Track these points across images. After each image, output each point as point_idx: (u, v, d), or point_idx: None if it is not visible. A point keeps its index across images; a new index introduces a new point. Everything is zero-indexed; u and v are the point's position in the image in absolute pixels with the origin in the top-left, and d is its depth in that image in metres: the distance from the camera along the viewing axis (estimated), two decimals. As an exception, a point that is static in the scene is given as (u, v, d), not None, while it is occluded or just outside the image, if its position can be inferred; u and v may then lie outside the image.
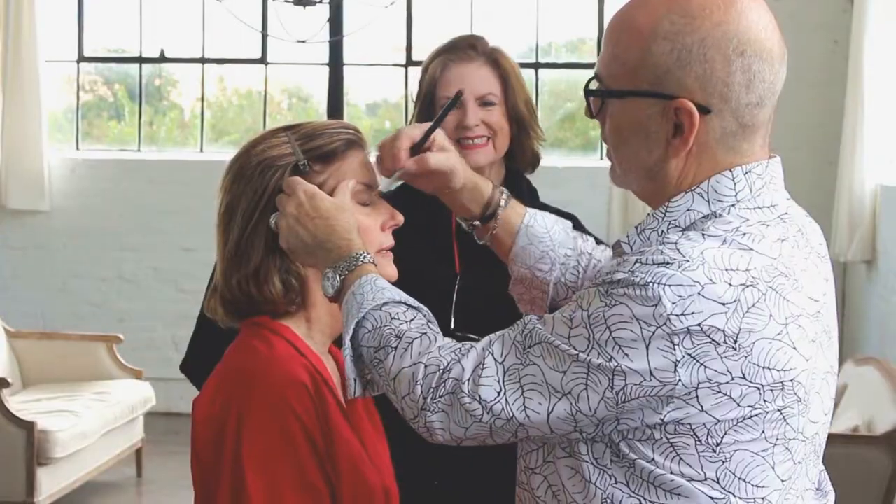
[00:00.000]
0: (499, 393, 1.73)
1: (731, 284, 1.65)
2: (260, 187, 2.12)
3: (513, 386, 1.73)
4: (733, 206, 1.76)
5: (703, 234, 1.72)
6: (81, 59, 9.35)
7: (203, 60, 9.26)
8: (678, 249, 1.68)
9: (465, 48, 3.00)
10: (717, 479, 1.69)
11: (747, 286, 1.66)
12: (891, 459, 4.76)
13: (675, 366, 1.64)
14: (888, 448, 4.77)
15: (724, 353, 1.64)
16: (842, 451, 4.67)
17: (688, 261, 1.66)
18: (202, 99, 9.34)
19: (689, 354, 1.63)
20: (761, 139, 1.82)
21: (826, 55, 8.27)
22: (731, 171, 1.77)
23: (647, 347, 1.64)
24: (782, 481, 1.74)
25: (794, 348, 1.69)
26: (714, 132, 1.76)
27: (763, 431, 1.69)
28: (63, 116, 9.51)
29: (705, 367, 1.64)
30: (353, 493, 2.04)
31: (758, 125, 1.79)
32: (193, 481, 2.11)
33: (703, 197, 1.77)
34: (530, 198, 3.05)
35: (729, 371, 1.65)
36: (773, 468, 1.72)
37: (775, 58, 1.77)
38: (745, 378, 1.65)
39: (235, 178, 2.17)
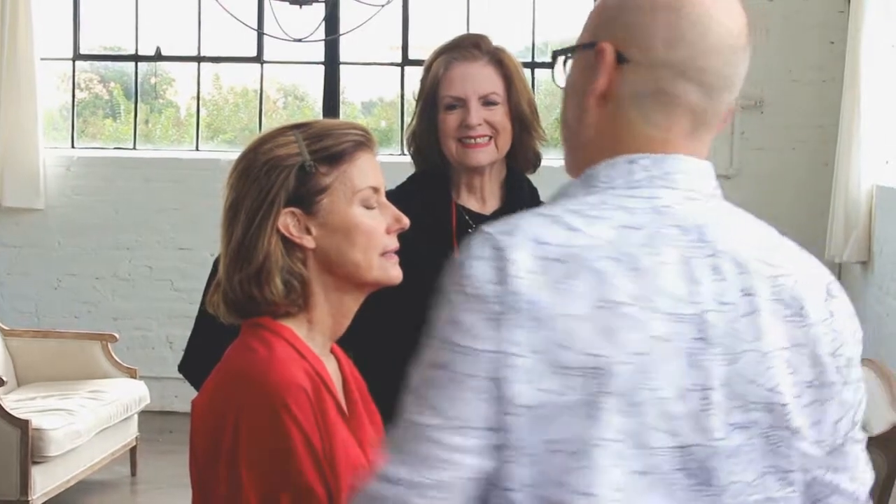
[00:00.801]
0: None
1: (540, 257, 1.56)
2: (265, 187, 2.12)
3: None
4: (602, 192, 1.65)
5: (537, 214, 1.64)
6: (77, 57, 9.33)
7: (199, 59, 9.25)
8: (499, 226, 1.61)
9: (469, 47, 2.99)
10: (534, 484, 1.55)
11: (559, 260, 1.56)
12: (886, 460, 4.76)
13: (496, 332, 1.54)
14: (883, 449, 4.77)
15: (525, 322, 1.53)
16: (837, 451, 4.67)
17: (503, 233, 1.59)
18: (198, 97, 9.32)
19: (507, 323, 1.53)
20: (688, 125, 1.67)
21: (822, 56, 8.27)
22: (612, 159, 1.65)
23: (482, 325, 1.54)
24: (617, 490, 1.55)
25: (609, 336, 1.54)
26: (628, 86, 1.66)
27: (570, 426, 1.53)
28: (59, 114, 9.50)
29: (510, 339, 1.53)
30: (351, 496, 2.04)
31: (677, 99, 1.66)
32: (192, 482, 2.11)
33: (583, 185, 1.68)
34: (531, 198, 3.05)
35: (529, 343, 1.53)
36: (598, 472, 1.54)
37: (714, 34, 1.65)
38: (543, 354, 1.53)
39: (241, 175, 2.17)
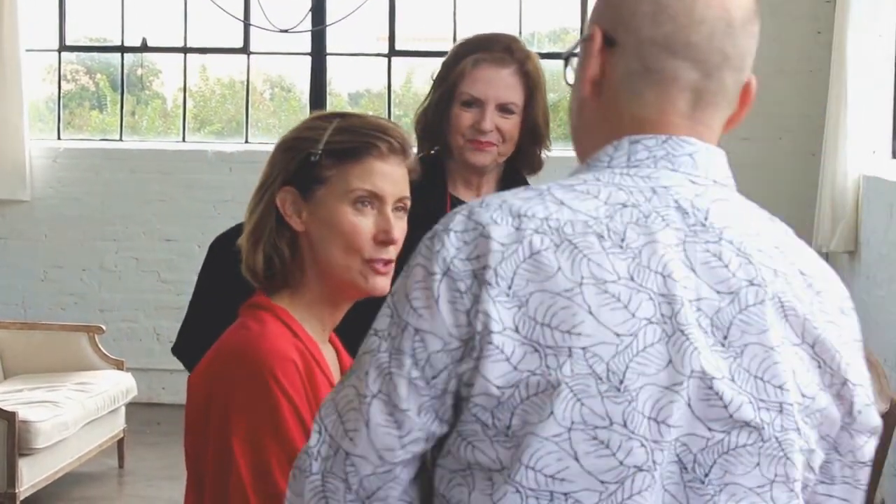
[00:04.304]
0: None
1: (517, 228, 1.50)
2: (278, 162, 2.21)
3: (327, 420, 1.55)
4: (599, 170, 1.60)
5: (525, 189, 1.58)
6: (63, 48, 9.31)
7: (185, 50, 9.23)
8: (481, 201, 1.56)
9: (501, 50, 3.01)
10: (510, 466, 1.48)
11: (537, 232, 1.49)
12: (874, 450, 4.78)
13: (468, 315, 1.48)
14: (870, 438, 4.79)
15: (496, 296, 1.47)
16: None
17: (481, 206, 1.54)
18: (184, 88, 9.30)
19: (475, 300, 1.47)
20: (685, 106, 1.61)
21: (809, 46, 8.28)
22: (618, 140, 1.60)
23: (438, 302, 1.49)
24: (602, 482, 1.47)
25: (592, 313, 1.46)
26: (619, 69, 1.61)
27: (552, 412, 1.45)
28: (44, 106, 9.48)
29: (480, 312, 1.47)
30: None
31: (668, 77, 1.60)
32: (185, 455, 2.16)
33: (587, 167, 1.62)
34: None
35: (501, 319, 1.46)
36: (576, 459, 1.47)
37: (701, 6, 1.59)
38: (517, 332, 1.46)
39: (279, 144, 2.26)
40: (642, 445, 1.47)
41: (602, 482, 1.47)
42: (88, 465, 7.07)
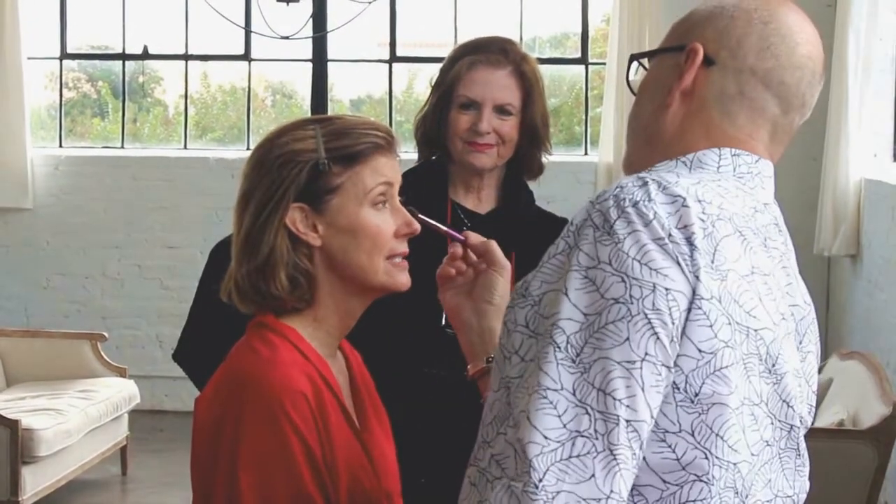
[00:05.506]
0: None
1: (703, 212, 1.58)
2: (276, 180, 2.09)
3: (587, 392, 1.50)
4: (714, 173, 1.70)
5: (678, 175, 1.65)
6: (64, 55, 9.32)
7: (186, 57, 9.24)
8: (653, 178, 1.61)
9: (496, 52, 3.00)
10: (693, 431, 1.55)
11: (719, 219, 1.60)
12: (876, 453, 4.77)
13: (693, 278, 1.54)
14: (873, 442, 4.78)
15: (704, 266, 1.54)
16: (827, 444, 4.68)
17: (668, 182, 1.60)
18: (186, 96, 9.31)
19: (692, 265, 1.54)
20: (766, 135, 1.76)
21: (810, 50, 8.27)
22: (719, 149, 1.72)
23: (675, 262, 1.54)
24: (752, 454, 1.61)
25: (761, 300, 1.62)
26: (714, 87, 1.74)
27: (737, 384, 1.56)
28: (46, 113, 9.49)
29: (696, 276, 1.54)
30: (351, 502, 2.03)
31: (758, 106, 1.74)
32: (192, 482, 2.09)
33: (686, 165, 1.71)
34: (528, 201, 3.07)
35: (709, 288, 1.54)
36: (742, 432, 1.58)
37: (800, 53, 1.77)
38: (720, 302, 1.55)
39: (255, 165, 2.14)
40: (771, 423, 1.64)
41: (752, 454, 1.61)
42: (91, 472, 7.07)
